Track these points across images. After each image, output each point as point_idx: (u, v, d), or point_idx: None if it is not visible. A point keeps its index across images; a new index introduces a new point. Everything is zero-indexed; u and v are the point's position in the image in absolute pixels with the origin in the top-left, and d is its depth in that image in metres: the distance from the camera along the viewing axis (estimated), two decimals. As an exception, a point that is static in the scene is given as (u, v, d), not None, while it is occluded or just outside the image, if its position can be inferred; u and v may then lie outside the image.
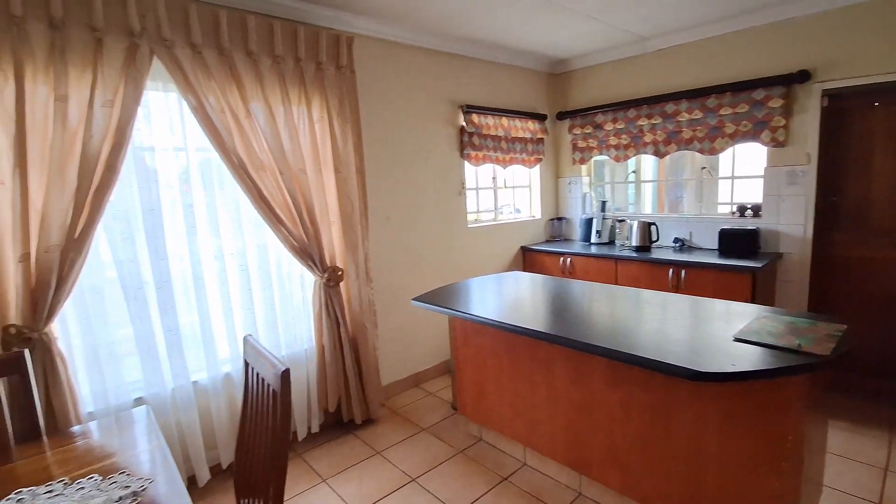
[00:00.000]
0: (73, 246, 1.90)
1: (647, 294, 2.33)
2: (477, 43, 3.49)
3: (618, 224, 3.92)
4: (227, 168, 2.28)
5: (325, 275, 2.66)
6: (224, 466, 2.40)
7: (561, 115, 4.27)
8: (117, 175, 1.98)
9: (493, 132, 3.74)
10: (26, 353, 1.54)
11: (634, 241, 3.59)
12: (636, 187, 4.22)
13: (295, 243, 2.55)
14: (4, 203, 1.79)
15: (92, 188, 1.93)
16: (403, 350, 3.35)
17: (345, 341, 2.78)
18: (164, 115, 2.21)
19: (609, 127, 3.92)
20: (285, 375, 1.20)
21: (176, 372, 2.23)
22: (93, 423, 1.57)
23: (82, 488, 1.18)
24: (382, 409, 3.08)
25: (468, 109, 3.54)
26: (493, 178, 4.09)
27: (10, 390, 1.57)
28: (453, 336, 2.72)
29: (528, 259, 4.18)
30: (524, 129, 4.01)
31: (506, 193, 4.29)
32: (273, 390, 1.27)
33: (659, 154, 3.67)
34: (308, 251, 2.60)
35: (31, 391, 1.52)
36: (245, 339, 1.50)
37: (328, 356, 2.75)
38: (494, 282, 2.83)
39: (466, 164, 3.66)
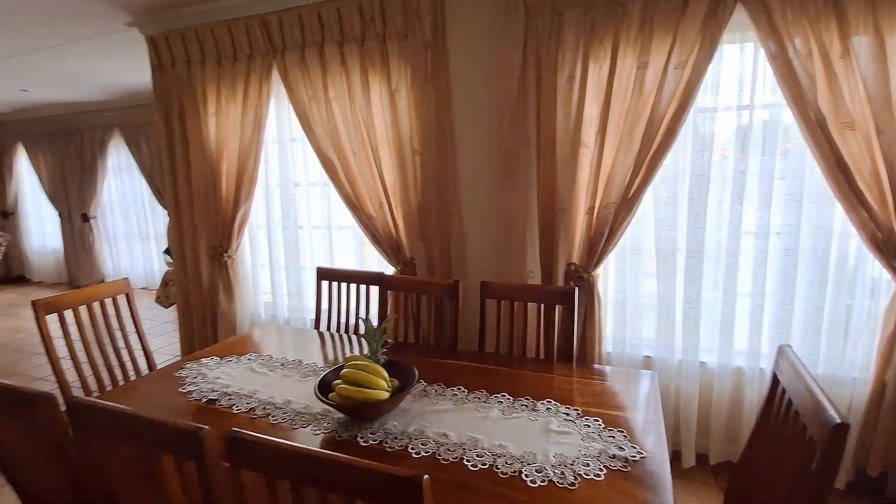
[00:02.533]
0: (626, 204, 2.10)
1: None
2: None
3: None
4: (800, 127, 1.83)
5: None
6: (712, 462, 2.19)
7: None
8: (675, 138, 1.98)
9: None
10: (576, 289, 1.86)
11: None
12: None
13: (878, 234, 1.81)
14: (585, 162, 2.17)
15: (651, 151, 2.03)
16: None
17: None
18: (732, 71, 1.99)
19: None
20: (838, 432, 0.83)
21: (686, 345, 2.16)
22: (609, 368, 1.74)
23: (588, 426, 1.31)
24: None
25: None
26: None
27: (560, 316, 1.96)
28: None
29: None
30: None
31: None
32: (810, 436, 0.93)
33: None
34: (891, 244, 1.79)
35: (573, 321, 1.85)
36: (781, 349, 1.17)
37: (889, 399, 1.90)
38: None
39: None
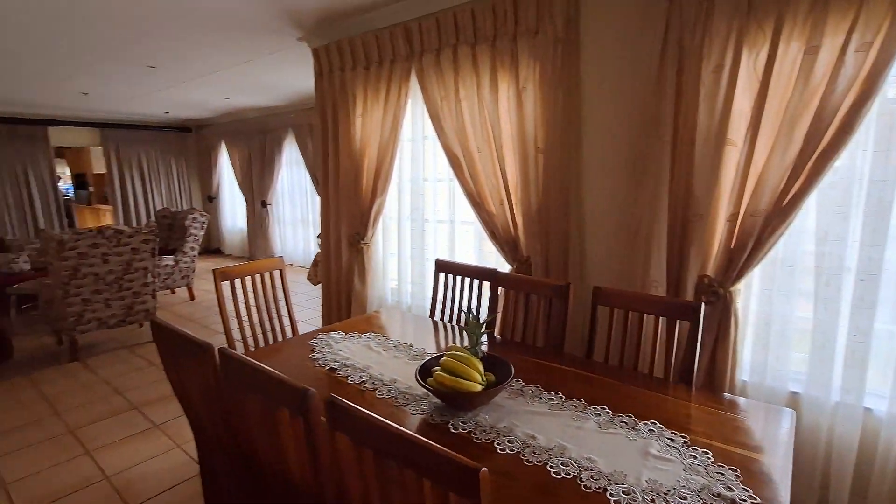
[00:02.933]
0: (779, 213, 1.80)
1: None
2: None
3: None
4: None
5: None
6: (875, 531, 1.79)
7: None
8: (851, 135, 1.64)
9: None
10: (702, 306, 1.67)
11: None
12: None
13: None
14: (731, 163, 1.91)
15: (817, 151, 1.71)
16: None
17: None
18: None
19: None
20: None
21: (847, 385, 1.79)
22: (742, 399, 1.53)
23: (693, 457, 1.19)
24: None
25: None
26: None
27: (681, 333, 1.78)
28: None
29: None
30: None
31: None
32: None
33: None
34: None
35: (696, 340, 1.67)
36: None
37: None
38: None
39: None
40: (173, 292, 5.83)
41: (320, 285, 5.04)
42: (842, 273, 1.77)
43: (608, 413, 1.41)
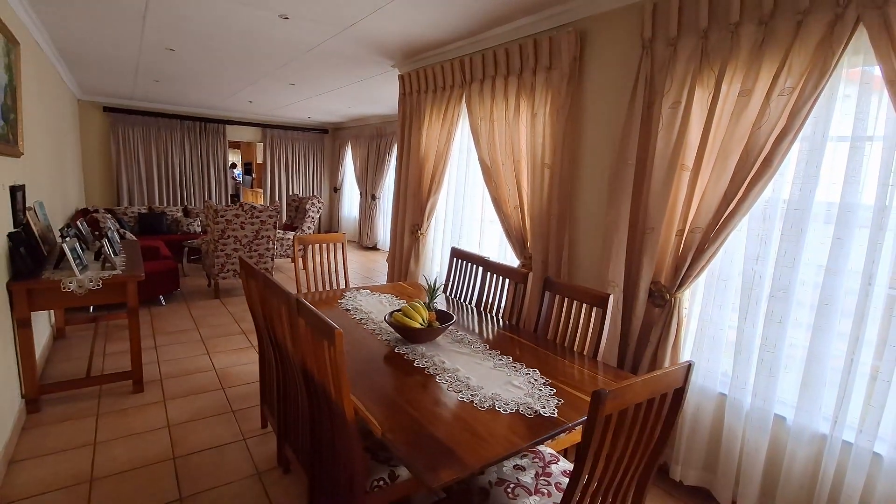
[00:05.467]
0: (713, 231, 2.09)
1: None
2: None
3: None
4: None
5: None
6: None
7: None
8: (772, 169, 1.89)
9: None
10: (610, 296, 2.06)
11: None
12: None
13: None
14: (683, 185, 2.23)
15: (746, 180, 1.97)
16: None
17: None
18: (848, 99, 1.75)
19: None
20: None
21: (757, 392, 2.00)
22: (620, 370, 1.91)
23: (540, 390, 1.67)
24: None
25: None
26: None
27: (596, 319, 2.16)
28: None
29: None
30: None
31: None
32: None
33: None
34: None
35: (603, 323, 2.06)
36: None
37: None
38: None
39: None
40: (293, 261, 7.26)
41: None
42: (762, 289, 1.99)
43: (509, 360, 1.92)
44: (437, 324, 2.09)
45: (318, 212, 6.71)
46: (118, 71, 5.21)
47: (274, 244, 5.23)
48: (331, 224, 10.25)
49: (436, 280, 2.18)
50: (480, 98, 3.36)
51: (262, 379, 2.53)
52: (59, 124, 5.06)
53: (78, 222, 3.55)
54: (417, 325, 2.02)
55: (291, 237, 6.53)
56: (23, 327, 2.55)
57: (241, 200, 11.72)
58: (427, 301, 2.13)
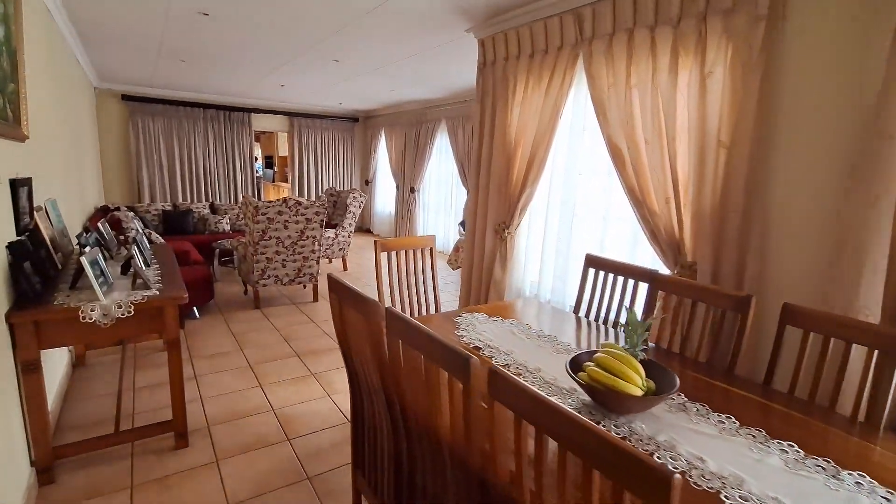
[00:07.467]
0: None
1: None
2: None
3: None
4: None
5: None
6: None
7: None
8: None
9: None
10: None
11: None
12: None
13: None
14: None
15: None
16: None
17: None
18: None
19: None
20: None
21: None
22: None
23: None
24: None
25: None
26: None
27: (910, 373, 1.41)
28: None
29: None
30: None
31: None
32: None
33: None
34: None
35: None
36: None
37: None
38: None
39: None
40: (330, 262, 6.56)
41: (458, 271, 5.20)
42: None
43: (798, 452, 1.19)
44: (652, 384, 1.36)
45: (360, 206, 5.99)
46: (140, 47, 4.51)
47: (321, 246, 4.53)
48: (363, 220, 9.54)
49: (629, 309, 1.45)
50: (608, 59, 2.59)
51: (356, 440, 1.82)
52: (77, 112, 4.39)
53: (99, 224, 2.87)
54: (637, 391, 1.28)
55: (330, 235, 5.83)
56: (29, 372, 1.87)
57: (263, 196, 11.06)
58: (633, 346, 1.39)
